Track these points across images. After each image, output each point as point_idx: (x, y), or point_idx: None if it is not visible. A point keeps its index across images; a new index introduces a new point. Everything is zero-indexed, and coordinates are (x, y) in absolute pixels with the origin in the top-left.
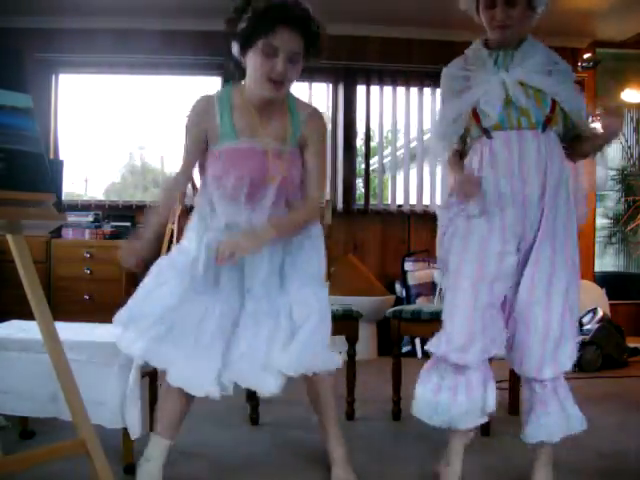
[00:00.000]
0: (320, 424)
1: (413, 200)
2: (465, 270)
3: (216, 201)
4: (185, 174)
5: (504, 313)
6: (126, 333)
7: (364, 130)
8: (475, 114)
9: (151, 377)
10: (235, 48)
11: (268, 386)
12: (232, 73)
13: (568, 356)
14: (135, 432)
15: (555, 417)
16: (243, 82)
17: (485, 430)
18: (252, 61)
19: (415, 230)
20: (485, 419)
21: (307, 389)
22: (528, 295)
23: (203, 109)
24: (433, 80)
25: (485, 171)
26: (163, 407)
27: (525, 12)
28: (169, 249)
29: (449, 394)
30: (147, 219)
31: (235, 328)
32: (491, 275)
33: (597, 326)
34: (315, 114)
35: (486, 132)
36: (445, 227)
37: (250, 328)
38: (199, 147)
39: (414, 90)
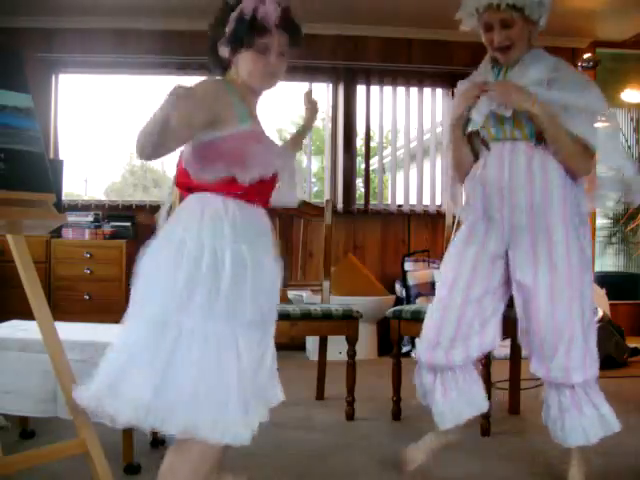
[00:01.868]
0: None
1: (413, 200)
2: (445, 276)
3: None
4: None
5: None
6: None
7: (364, 130)
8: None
9: None
10: (223, 49)
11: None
12: (218, 69)
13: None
14: None
15: (591, 419)
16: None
17: (485, 430)
18: (246, 59)
19: (415, 230)
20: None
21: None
22: (535, 303)
23: (217, 89)
24: (433, 80)
25: (478, 180)
26: None
27: (524, 29)
28: None
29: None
30: None
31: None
32: (466, 280)
33: (597, 326)
34: None
35: (485, 143)
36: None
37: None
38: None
39: (414, 90)
